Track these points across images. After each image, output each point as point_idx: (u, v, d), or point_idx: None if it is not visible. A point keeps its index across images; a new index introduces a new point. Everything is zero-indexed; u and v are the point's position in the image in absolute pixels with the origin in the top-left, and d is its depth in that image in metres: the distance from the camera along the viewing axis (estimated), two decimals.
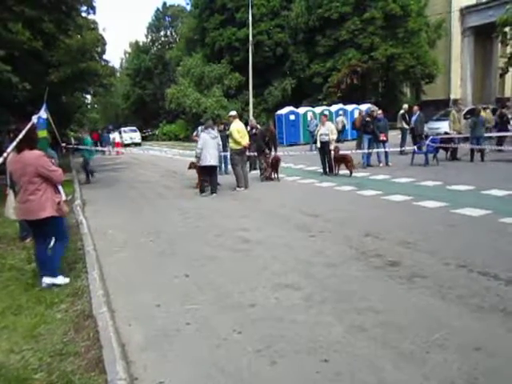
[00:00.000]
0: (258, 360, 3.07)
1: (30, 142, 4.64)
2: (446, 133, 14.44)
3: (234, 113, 11.77)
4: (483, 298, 3.79)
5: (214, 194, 10.21)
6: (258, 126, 14.25)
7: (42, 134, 6.30)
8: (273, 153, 12.16)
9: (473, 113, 14.54)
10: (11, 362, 3.18)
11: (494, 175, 10.60)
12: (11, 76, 13.95)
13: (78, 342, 3.40)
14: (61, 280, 4.75)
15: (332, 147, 11.99)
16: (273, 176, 12.06)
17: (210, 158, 9.98)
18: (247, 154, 12.00)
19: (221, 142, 10.50)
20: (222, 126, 13.21)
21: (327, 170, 12.31)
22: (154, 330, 3.63)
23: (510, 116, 15.17)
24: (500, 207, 7.06)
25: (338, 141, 13.65)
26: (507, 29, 24.31)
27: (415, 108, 15.88)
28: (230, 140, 11.02)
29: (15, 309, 4.11)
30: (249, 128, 13.29)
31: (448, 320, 3.45)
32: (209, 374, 2.96)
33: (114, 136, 31.78)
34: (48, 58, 17.24)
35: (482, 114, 14.39)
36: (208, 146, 9.99)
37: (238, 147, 10.84)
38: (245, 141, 10.95)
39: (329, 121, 12.76)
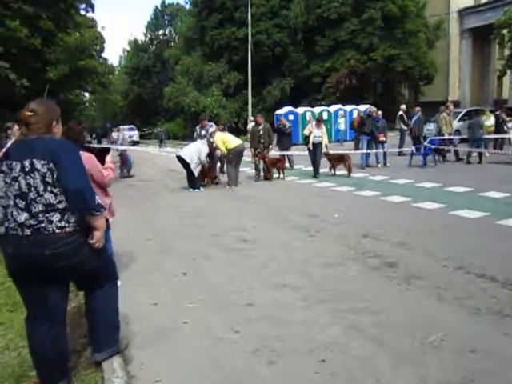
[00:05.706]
0: (256, 360, 3.07)
1: None
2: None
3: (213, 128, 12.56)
4: (479, 300, 3.80)
5: (191, 189, 10.72)
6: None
7: None
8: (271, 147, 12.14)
9: (471, 115, 14.55)
10: (7, 359, 3.16)
11: (491, 177, 10.63)
12: (9, 73, 13.92)
13: (75, 340, 3.39)
14: None
15: (325, 149, 12.09)
16: (279, 176, 12.10)
17: (181, 151, 11.03)
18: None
19: (203, 144, 11.09)
20: (222, 127, 13.18)
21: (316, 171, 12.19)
22: (151, 328, 3.62)
23: (507, 118, 15.17)
24: (497, 209, 7.08)
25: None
26: (505, 31, 24.43)
27: (416, 109, 15.71)
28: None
29: (11, 305, 4.08)
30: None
31: (444, 321, 3.46)
32: (205, 373, 2.96)
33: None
34: (46, 56, 17.17)
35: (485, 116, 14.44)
36: (191, 143, 11.68)
37: (231, 147, 11.00)
38: (231, 144, 11.10)
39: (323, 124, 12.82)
